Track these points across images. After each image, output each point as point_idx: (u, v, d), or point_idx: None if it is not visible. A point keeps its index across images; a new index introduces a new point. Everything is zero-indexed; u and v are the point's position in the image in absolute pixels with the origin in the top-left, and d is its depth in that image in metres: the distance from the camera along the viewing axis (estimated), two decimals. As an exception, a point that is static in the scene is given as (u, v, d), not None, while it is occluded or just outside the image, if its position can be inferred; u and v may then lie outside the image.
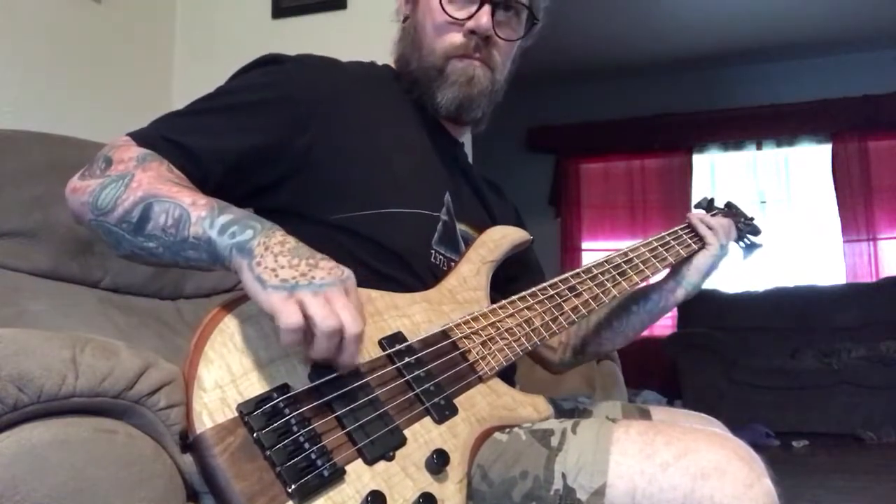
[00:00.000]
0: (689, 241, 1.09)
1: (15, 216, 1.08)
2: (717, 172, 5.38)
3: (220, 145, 0.81)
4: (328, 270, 0.66)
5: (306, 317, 0.63)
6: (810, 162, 5.18)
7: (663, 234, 1.08)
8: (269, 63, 0.90)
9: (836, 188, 4.98)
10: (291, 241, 0.68)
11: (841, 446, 3.67)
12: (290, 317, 0.62)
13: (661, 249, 1.05)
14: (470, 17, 0.93)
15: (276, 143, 0.84)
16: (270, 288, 0.64)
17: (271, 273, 0.64)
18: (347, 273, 0.68)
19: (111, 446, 0.61)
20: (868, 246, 4.91)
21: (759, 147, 5.24)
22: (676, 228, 1.10)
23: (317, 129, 0.86)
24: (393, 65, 1.04)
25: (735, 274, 5.03)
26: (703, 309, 4.61)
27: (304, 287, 0.64)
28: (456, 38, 0.94)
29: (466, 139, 1.11)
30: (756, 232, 1.23)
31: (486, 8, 0.93)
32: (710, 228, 1.09)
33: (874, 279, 4.79)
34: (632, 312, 1.10)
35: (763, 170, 5.25)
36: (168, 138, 0.79)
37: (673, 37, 4.76)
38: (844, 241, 4.93)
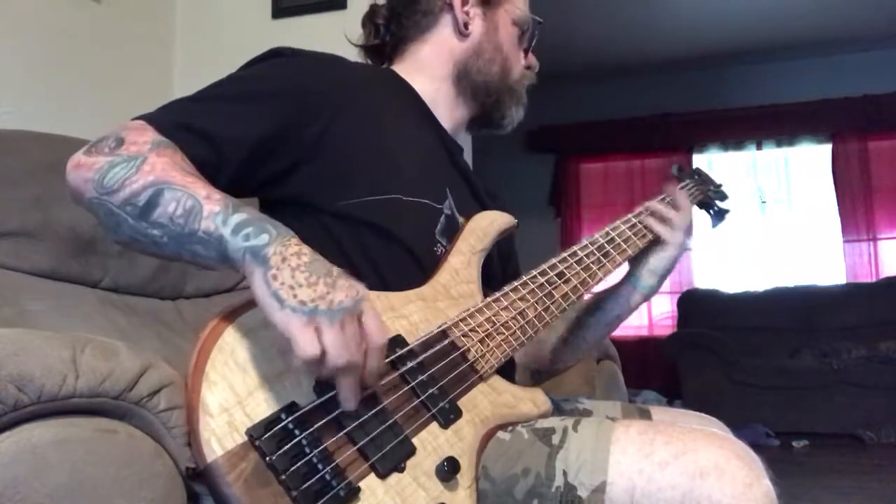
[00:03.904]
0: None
1: (15, 216, 1.07)
2: (717, 172, 5.38)
3: (238, 132, 0.80)
4: (345, 291, 0.64)
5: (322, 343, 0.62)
6: (810, 162, 5.18)
7: (640, 209, 1.08)
8: (279, 55, 0.90)
9: (836, 188, 4.99)
10: (307, 253, 0.66)
11: (841, 446, 3.67)
12: (309, 346, 0.61)
13: (640, 226, 1.05)
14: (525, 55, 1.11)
15: (287, 131, 0.84)
16: (289, 309, 0.61)
17: (289, 291, 0.62)
18: (363, 292, 0.66)
19: (111, 446, 0.61)
20: (868, 246, 4.91)
21: (759, 147, 5.25)
22: (653, 202, 1.09)
23: (326, 120, 0.86)
24: (431, 60, 1.04)
25: (735, 274, 5.04)
26: (703, 309, 4.61)
27: (323, 313, 0.62)
28: (522, 68, 1.10)
29: (463, 141, 1.12)
30: (724, 197, 1.23)
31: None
32: (664, 221, 1.05)
33: (874, 279, 4.79)
34: (588, 326, 1.09)
35: (763, 170, 5.25)
36: (185, 124, 0.77)
37: (673, 37, 4.76)
38: (844, 241, 4.94)
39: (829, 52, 4.95)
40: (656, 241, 1.06)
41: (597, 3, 4.26)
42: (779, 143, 5.20)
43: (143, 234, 0.69)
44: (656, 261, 1.05)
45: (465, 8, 1.04)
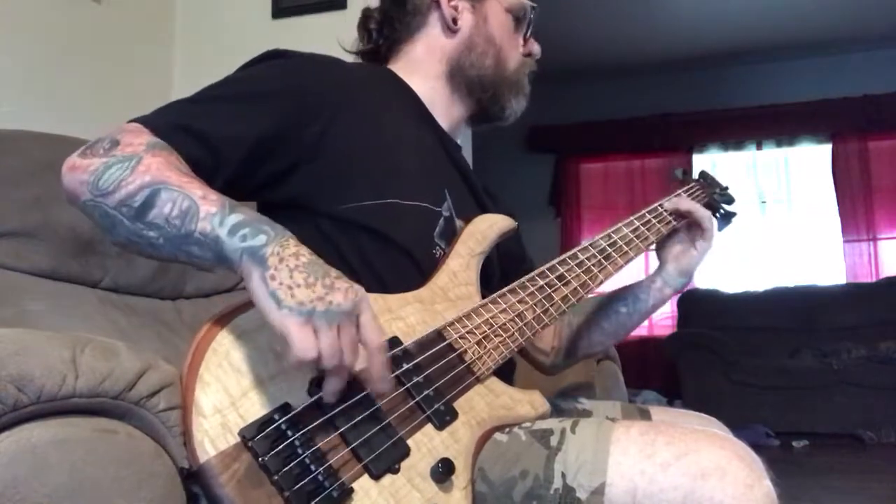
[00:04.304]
0: (670, 219, 1.08)
1: (15, 216, 1.07)
2: (717, 172, 5.35)
3: (236, 132, 0.80)
4: (344, 293, 0.64)
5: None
6: (810, 162, 5.18)
7: (643, 211, 1.07)
8: (277, 57, 0.90)
9: (836, 188, 4.99)
10: (305, 254, 0.65)
11: (841, 446, 3.67)
12: (306, 348, 0.60)
13: (642, 228, 1.05)
14: (524, 42, 1.09)
15: (287, 131, 0.84)
16: (286, 309, 0.61)
17: (287, 291, 0.62)
18: (361, 294, 0.66)
19: (111, 446, 0.61)
20: (868, 246, 4.91)
21: (759, 147, 5.25)
22: (655, 205, 1.09)
23: (326, 120, 0.86)
24: (424, 59, 1.05)
25: (735, 274, 5.04)
26: (703, 309, 4.61)
27: (320, 314, 0.62)
28: (520, 56, 1.08)
29: (460, 142, 1.12)
30: (730, 201, 1.23)
31: (532, 37, 1.10)
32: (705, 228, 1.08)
33: (874, 279, 4.79)
34: (621, 314, 1.11)
35: (763, 170, 5.25)
36: (182, 125, 0.76)
37: (673, 37, 4.76)
38: (844, 241, 4.94)
39: (829, 52, 4.95)
40: (666, 240, 1.09)
41: (597, 3, 4.26)
42: (779, 143, 5.20)
43: (139, 235, 0.68)
44: (688, 260, 1.09)
45: (453, 3, 1.04)
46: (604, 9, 4.34)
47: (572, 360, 1.18)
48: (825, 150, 5.09)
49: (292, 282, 0.62)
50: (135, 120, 0.77)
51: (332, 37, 1.15)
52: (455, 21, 1.03)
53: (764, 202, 5.20)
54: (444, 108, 1.04)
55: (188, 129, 0.77)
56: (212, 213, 0.66)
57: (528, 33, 1.10)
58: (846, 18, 4.47)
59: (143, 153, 0.70)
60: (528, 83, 1.09)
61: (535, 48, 1.10)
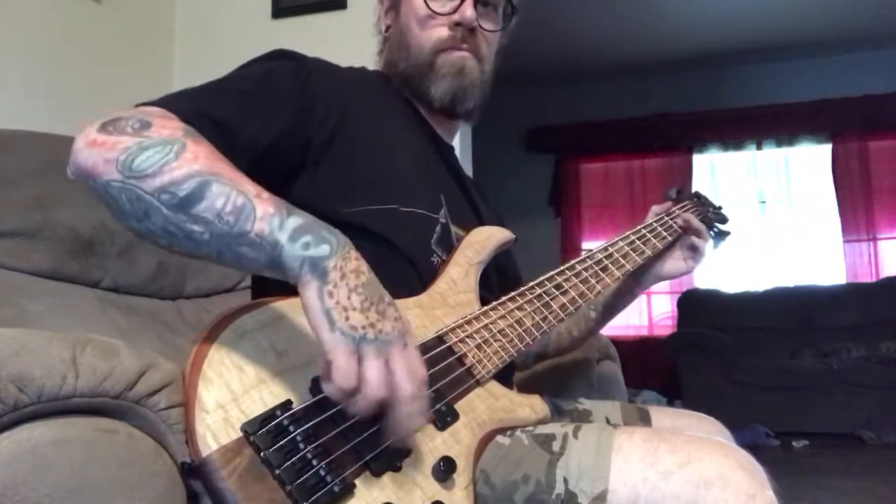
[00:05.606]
0: (665, 234, 1.10)
1: (15, 216, 1.08)
2: (717, 172, 5.38)
3: (251, 125, 0.78)
4: (393, 321, 0.64)
5: (361, 373, 0.61)
6: (810, 162, 5.18)
7: (639, 227, 1.10)
8: (285, 57, 0.90)
9: (836, 188, 4.99)
10: (365, 271, 0.64)
11: (841, 446, 3.67)
12: (349, 377, 0.60)
13: (638, 243, 1.07)
14: (453, 12, 0.97)
15: (295, 135, 0.83)
16: (339, 332, 0.60)
17: (342, 313, 0.61)
18: (409, 325, 0.66)
19: (111, 446, 0.61)
20: (868, 246, 4.91)
21: (759, 147, 5.25)
22: (651, 221, 1.12)
23: (332, 127, 0.86)
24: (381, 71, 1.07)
25: (735, 274, 5.04)
26: (703, 309, 4.61)
27: (370, 342, 0.61)
28: (442, 31, 0.98)
29: (459, 142, 1.12)
30: (724, 220, 1.25)
31: (469, 1, 0.97)
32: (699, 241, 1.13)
33: (874, 279, 4.79)
34: (591, 318, 1.17)
35: (763, 170, 5.26)
36: (201, 112, 0.73)
37: (673, 37, 4.76)
38: (844, 241, 4.94)
39: (829, 52, 4.95)
40: (658, 258, 1.11)
41: (596, 2, 4.26)
42: (779, 143, 5.21)
43: (180, 227, 0.62)
44: (669, 271, 1.13)
45: (387, 16, 1.05)
46: (604, 9, 4.34)
47: (541, 360, 1.24)
48: (825, 150, 5.09)
49: (349, 303, 0.61)
50: (149, 103, 0.73)
51: (332, 37, 1.16)
52: (387, 29, 1.05)
53: (764, 202, 5.20)
54: (423, 111, 1.04)
55: (209, 117, 0.74)
56: (270, 214, 0.62)
57: (464, 0, 0.97)
58: (846, 18, 4.47)
59: (183, 138, 0.65)
60: (458, 62, 0.98)
61: (466, 14, 0.96)
